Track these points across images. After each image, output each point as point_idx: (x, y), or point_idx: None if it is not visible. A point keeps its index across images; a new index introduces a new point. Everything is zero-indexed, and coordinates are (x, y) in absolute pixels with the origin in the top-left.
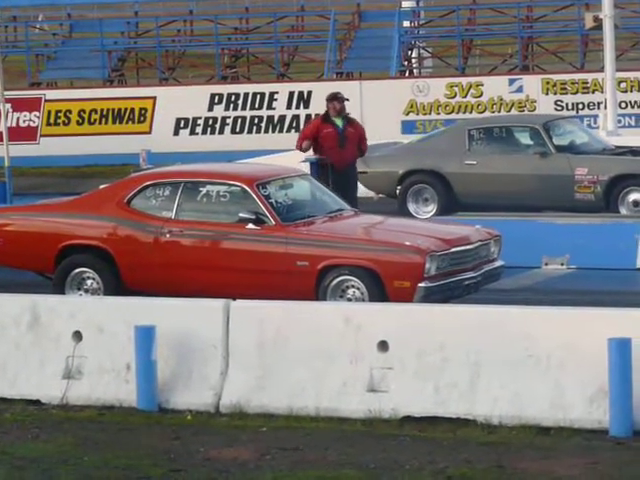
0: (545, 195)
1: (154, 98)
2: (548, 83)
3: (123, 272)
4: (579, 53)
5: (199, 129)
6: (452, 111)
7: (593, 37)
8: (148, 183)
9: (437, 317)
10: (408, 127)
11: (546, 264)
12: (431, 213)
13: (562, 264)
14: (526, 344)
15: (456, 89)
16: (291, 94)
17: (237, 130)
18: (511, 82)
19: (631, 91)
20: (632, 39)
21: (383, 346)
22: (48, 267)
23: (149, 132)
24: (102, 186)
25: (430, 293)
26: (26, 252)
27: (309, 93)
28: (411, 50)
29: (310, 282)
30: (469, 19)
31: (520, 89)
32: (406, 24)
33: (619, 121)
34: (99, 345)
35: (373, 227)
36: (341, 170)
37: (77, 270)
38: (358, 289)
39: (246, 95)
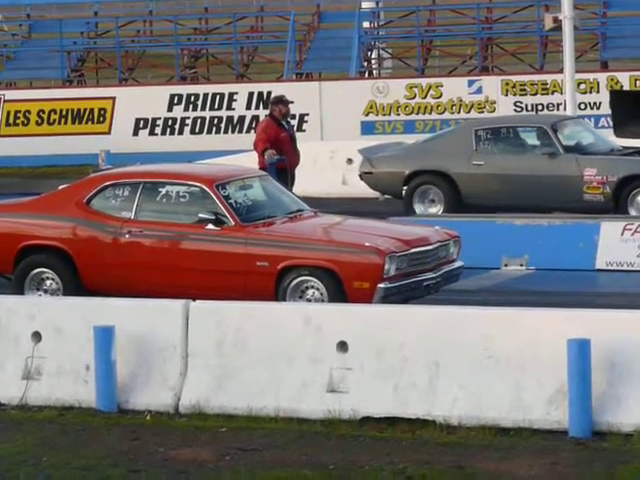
0: (553, 196)
1: (113, 98)
2: (507, 84)
3: (82, 272)
4: (538, 54)
5: (158, 129)
6: (412, 112)
7: (552, 38)
8: (108, 183)
9: (396, 318)
10: (368, 128)
11: (505, 265)
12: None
13: (521, 265)
14: (485, 345)
15: (416, 90)
16: (250, 95)
17: (197, 130)
18: (470, 83)
19: (590, 92)
20: (591, 40)
21: (342, 347)
22: (7, 267)
23: (108, 132)
24: (61, 186)
25: (389, 294)
26: None
27: (268, 94)
28: (371, 51)
29: (270, 282)
30: (429, 20)
31: (479, 90)
32: (366, 25)
33: None
34: (58, 346)
35: (333, 228)
36: (293, 172)
37: (36, 270)
38: (317, 290)
39: (205, 95)
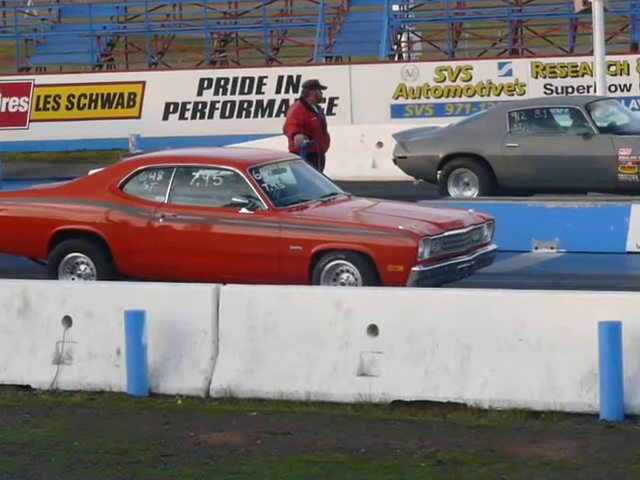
0: (588, 176)
1: (143, 83)
2: (537, 67)
3: (116, 257)
4: (568, 37)
5: (188, 114)
6: (441, 95)
7: (582, 20)
8: (141, 168)
9: (427, 301)
10: (398, 111)
11: (536, 248)
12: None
13: (552, 248)
14: (516, 328)
15: (445, 73)
16: (280, 78)
17: (226, 115)
18: (500, 66)
19: (620, 74)
20: (621, 22)
21: (373, 330)
22: (41, 252)
23: (138, 117)
24: (92, 171)
25: (423, 277)
26: (19, 237)
27: (298, 77)
28: (400, 34)
29: (303, 266)
30: (458, 2)
31: (509, 73)
32: (395, 8)
33: None
34: (89, 330)
35: (366, 211)
36: (323, 156)
37: (70, 255)
38: (352, 274)
39: (235, 79)
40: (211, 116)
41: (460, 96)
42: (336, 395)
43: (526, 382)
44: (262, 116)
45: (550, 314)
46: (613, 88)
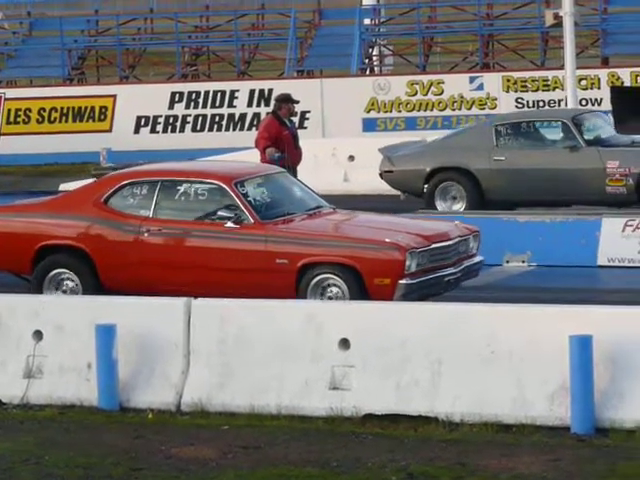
0: (576, 189)
1: (114, 96)
2: (509, 81)
3: (101, 272)
4: (539, 51)
5: (160, 127)
6: (413, 109)
7: (553, 35)
8: (125, 182)
9: (398, 315)
10: (369, 125)
11: (507, 261)
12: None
13: (523, 261)
14: (487, 342)
15: (417, 87)
16: (252, 92)
17: (198, 128)
18: (472, 80)
19: (591, 88)
20: (592, 37)
21: (345, 344)
22: (25, 268)
23: (110, 130)
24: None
25: (410, 290)
26: (2, 253)
27: (270, 91)
28: (372, 48)
29: (290, 280)
30: (430, 16)
31: (481, 87)
32: (367, 22)
33: None
34: (60, 344)
35: (352, 224)
36: (295, 170)
37: (55, 271)
38: (339, 287)
39: (207, 93)
40: (182, 130)
41: (432, 110)
42: (308, 409)
43: (497, 396)
44: (234, 130)
45: (521, 328)
46: (584, 102)
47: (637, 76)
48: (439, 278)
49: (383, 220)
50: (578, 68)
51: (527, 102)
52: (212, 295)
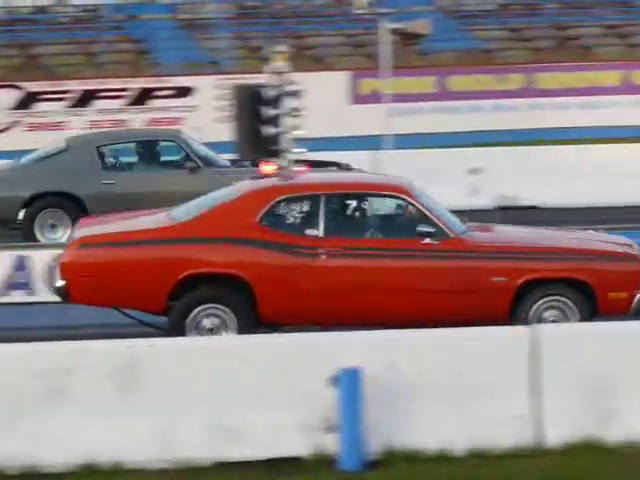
0: None
1: None
2: None
3: (262, 303)
4: None
5: None
6: None
7: None
8: (280, 198)
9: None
10: None
11: None
12: (62, 239)
13: None
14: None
15: None
16: None
17: None
18: None
19: None
20: None
21: None
22: (154, 304)
23: None
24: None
25: None
26: (123, 286)
27: None
28: None
29: (506, 300)
30: None
31: None
32: None
33: None
34: None
35: (558, 237)
36: None
37: (202, 306)
38: (559, 308)
39: None
40: None
41: None
42: None
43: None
44: None
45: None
46: None
47: None
48: None
49: (570, 234)
50: None
51: None
52: (407, 322)
